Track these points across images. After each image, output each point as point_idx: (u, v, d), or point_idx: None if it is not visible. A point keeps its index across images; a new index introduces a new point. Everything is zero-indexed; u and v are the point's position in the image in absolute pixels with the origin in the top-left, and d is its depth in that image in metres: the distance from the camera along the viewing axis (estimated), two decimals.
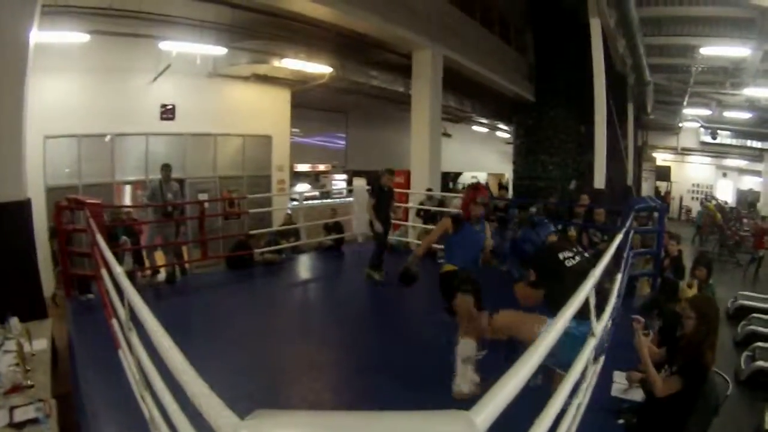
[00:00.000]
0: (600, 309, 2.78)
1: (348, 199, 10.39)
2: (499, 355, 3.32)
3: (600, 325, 2.71)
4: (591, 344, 2.58)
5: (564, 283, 2.84)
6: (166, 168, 6.97)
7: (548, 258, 3.13)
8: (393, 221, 9.02)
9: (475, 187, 4.28)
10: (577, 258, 3.06)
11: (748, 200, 23.27)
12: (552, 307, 2.82)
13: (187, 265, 7.47)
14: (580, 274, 2.76)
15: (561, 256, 3.07)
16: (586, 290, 2.44)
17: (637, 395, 3.69)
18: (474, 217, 4.05)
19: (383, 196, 7.17)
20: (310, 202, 13.19)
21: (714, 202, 19.83)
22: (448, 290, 3.83)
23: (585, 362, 2.50)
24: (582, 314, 2.57)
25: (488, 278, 4.03)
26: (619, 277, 3.90)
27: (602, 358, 3.48)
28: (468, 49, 11.98)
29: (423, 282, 7.18)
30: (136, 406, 2.80)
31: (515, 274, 3.31)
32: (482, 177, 24.78)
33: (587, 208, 7.96)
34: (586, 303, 2.58)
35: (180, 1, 8.90)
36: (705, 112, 19.64)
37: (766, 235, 12.09)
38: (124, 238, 6.81)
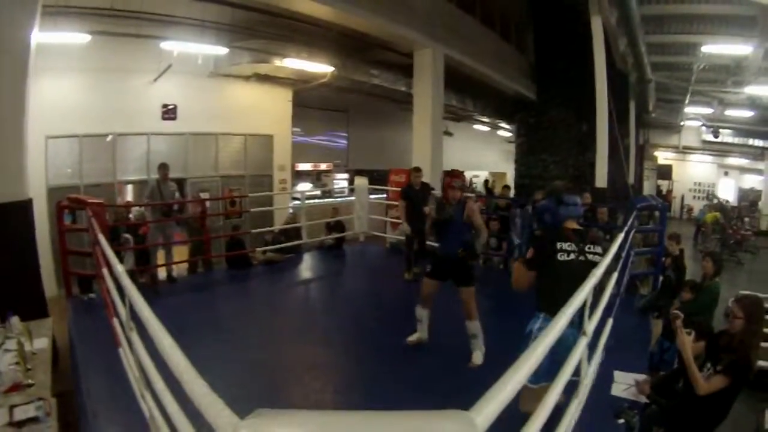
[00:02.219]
0: (593, 306, 2.76)
1: (350, 198, 10.40)
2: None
3: (591, 324, 2.69)
4: (583, 343, 2.57)
5: (550, 277, 2.84)
6: (163, 167, 6.97)
7: (547, 242, 2.91)
8: (389, 219, 9.04)
9: (451, 174, 4.65)
10: (573, 256, 2.84)
11: (749, 199, 23.23)
12: (538, 298, 2.94)
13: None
14: (567, 273, 2.73)
15: (558, 245, 2.85)
16: (580, 298, 2.35)
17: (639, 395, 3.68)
18: (452, 200, 4.47)
19: (413, 195, 6.86)
20: (311, 201, 13.20)
21: (716, 201, 19.83)
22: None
23: (578, 360, 2.49)
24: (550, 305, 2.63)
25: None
26: (615, 275, 3.88)
27: (601, 357, 3.47)
28: (469, 47, 11.96)
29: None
30: (136, 405, 2.80)
31: (519, 251, 3.17)
32: (484, 176, 24.75)
33: (589, 207, 7.94)
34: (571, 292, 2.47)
35: (181, 1, 8.89)
36: (706, 110, 19.60)
37: None
38: (126, 236, 6.82)
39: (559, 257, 2.83)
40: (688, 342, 3.31)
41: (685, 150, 24.68)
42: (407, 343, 4.70)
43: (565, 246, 2.85)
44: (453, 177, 4.56)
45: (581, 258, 2.85)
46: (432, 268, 4.62)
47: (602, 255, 2.92)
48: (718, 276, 5.10)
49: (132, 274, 5.54)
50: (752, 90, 14.01)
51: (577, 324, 2.59)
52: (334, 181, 17.16)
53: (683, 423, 3.20)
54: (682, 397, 3.27)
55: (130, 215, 8.22)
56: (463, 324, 4.51)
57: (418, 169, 7.16)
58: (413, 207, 6.72)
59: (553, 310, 2.45)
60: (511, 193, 12.87)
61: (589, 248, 2.89)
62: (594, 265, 2.79)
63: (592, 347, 3.00)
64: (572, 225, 2.96)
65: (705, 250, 11.51)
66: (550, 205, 3.01)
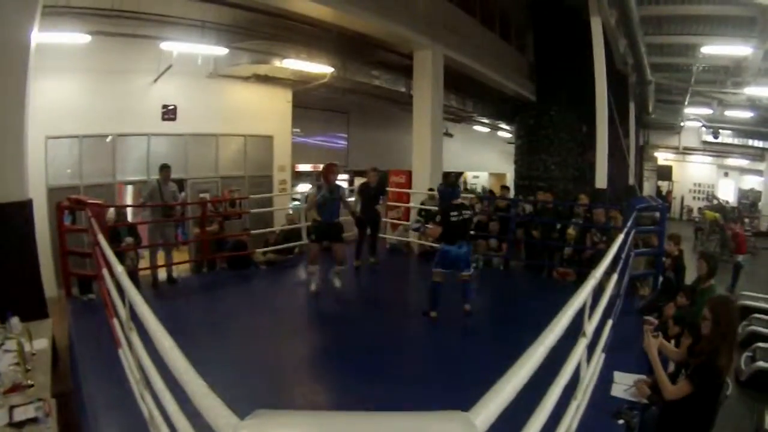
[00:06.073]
0: (593, 308, 2.77)
1: (350, 199, 10.36)
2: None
3: (591, 325, 2.70)
4: (582, 344, 2.58)
5: (446, 225, 5.40)
6: (165, 169, 6.97)
7: (445, 211, 5.46)
8: (389, 219, 9.32)
9: (332, 164, 6.56)
10: (456, 217, 5.43)
11: (749, 200, 23.23)
12: (442, 239, 5.49)
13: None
14: (454, 225, 5.41)
15: (451, 212, 5.44)
16: (580, 299, 2.45)
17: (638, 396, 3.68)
18: (332, 183, 6.31)
19: (367, 192, 7.97)
20: None
21: (715, 201, 19.84)
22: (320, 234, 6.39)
23: (578, 361, 2.49)
24: (452, 241, 5.41)
25: None
26: (615, 277, 3.89)
27: (602, 359, 3.47)
28: (469, 48, 11.97)
29: (424, 283, 7.31)
30: (136, 406, 2.80)
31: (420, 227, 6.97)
32: (484, 177, 24.78)
33: (587, 208, 7.95)
34: (460, 233, 5.47)
35: (181, 2, 8.88)
36: (706, 111, 19.61)
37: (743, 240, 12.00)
38: (129, 238, 6.83)
39: (452, 218, 5.42)
40: (654, 345, 3.26)
41: (685, 151, 24.69)
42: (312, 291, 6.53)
43: (453, 212, 5.44)
44: (333, 165, 6.48)
45: (461, 217, 5.50)
46: (317, 236, 6.41)
47: (470, 212, 5.94)
48: (713, 277, 5.07)
49: (132, 274, 5.56)
50: (752, 91, 14.01)
51: (465, 245, 5.54)
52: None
53: (665, 429, 3.16)
54: (663, 403, 3.20)
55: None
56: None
57: (375, 169, 8.16)
58: (367, 201, 7.93)
59: (448, 241, 5.43)
60: (511, 194, 12.86)
61: (464, 213, 5.57)
62: (468, 219, 5.78)
63: (591, 348, 3.00)
64: (456, 201, 5.60)
65: (703, 251, 11.48)
66: (446, 191, 5.77)
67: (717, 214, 16.28)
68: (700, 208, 21.14)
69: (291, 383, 4.29)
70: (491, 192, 15.39)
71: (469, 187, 22.21)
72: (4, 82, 5.11)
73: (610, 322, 3.66)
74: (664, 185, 25.54)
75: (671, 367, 3.78)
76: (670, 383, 3.02)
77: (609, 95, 12.30)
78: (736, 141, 22.46)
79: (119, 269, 3.02)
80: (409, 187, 10.38)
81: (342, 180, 17.37)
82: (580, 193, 9.57)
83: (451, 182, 6.19)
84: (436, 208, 8.82)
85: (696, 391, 2.85)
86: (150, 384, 2.42)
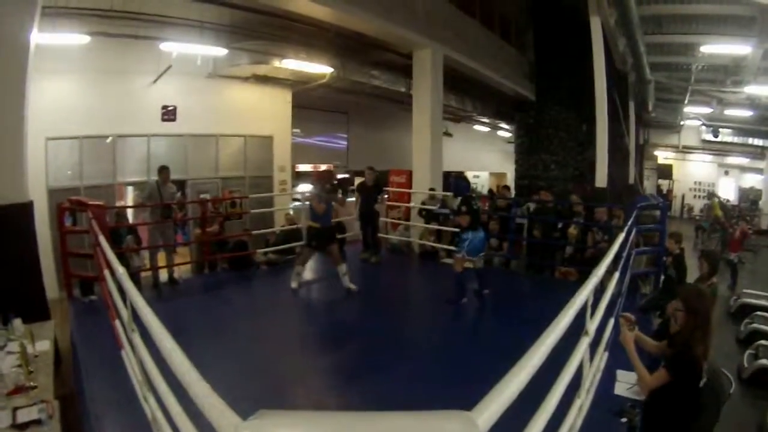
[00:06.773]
0: (595, 306, 2.77)
1: (350, 199, 10.37)
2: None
3: (593, 324, 2.70)
4: (585, 343, 2.58)
5: (471, 215, 6.09)
6: (164, 170, 6.97)
7: (470, 201, 6.22)
8: (390, 219, 9.39)
9: (327, 171, 7.17)
10: (476, 206, 6.34)
11: (750, 198, 23.22)
12: (469, 227, 6.08)
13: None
14: (476, 212, 6.21)
15: (473, 202, 6.26)
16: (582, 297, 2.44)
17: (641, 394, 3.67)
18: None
19: (364, 191, 8.20)
20: None
21: (716, 200, 19.85)
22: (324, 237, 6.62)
23: (580, 360, 2.50)
24: (476, 228, 6.15)
25: None
26: (617, 275, 3.89)
27: (604, 357, 3.47)
28: (468, 48, 11.97)
29: (425, 283, 7.36)
30: (138, 407, 2.80)
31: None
32: (484, 176, 24.76)
33: (587, 207, 7.95)
34: (479, 218, 6.41)
35: (180, 2, 8.87)
36: (706, 110, 19.61)
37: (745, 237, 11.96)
38: (130, 236, 6.82)
39: (474, 206, 6.20)
40: (630, 338, 3.26)
41: (685, 149, 24.69)
42: (292, 287, 6.71)
43: (473, 202, 6.25)
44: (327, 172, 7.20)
45: (476, 206, 6.34)
46: (316, 242, 6.62)
47: (478, 202, 6.87)
48: (714, 276, 5.05)
49: (133, 276, 5.56)
50: (751, 90, 14.02)
51: (482, 231, 6.34)
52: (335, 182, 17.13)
53: (648, 422, 3.14)
54: (646, 395, 3.18)
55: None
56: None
57: (371, 168, 8.31)
58: (365, 200, 8.13)
59: (473, 228, 6.09)
60: (512, 194, 12.86)
61: (476, 202, 6.47)
62: (479, 208, 6.68)
63: (594, 347, 3.00)
64: (471, 193, 6.62)
65: (703, 249, 11.45)
66: (459, 184, 6.69)
67: (720, 212, 16.28)
68: (709, 193, 21.22)
69: (293, 383, 4.29)
70: (491, 191, 15.41)
71: (471, 186, 22.14)
72: (3, 83, 5.10)
73: (612, 321, 3.66)
74: (664, 184, 25.55)
75: None
76: (648, 374, 3.01)
77: (610, 94, 12.31)
78: (736, 139, 22.47)
79: (121, 270, 3.02)
80: (410, 187, 10.38)
81: (343, 179, 17.47)
82: (575, 192, 9.59)
83: (461, 176, 6.79)
84: (436, 208, 9.02)
85: (674, 379, 2.85)
86: (152, 385, 2.42)
